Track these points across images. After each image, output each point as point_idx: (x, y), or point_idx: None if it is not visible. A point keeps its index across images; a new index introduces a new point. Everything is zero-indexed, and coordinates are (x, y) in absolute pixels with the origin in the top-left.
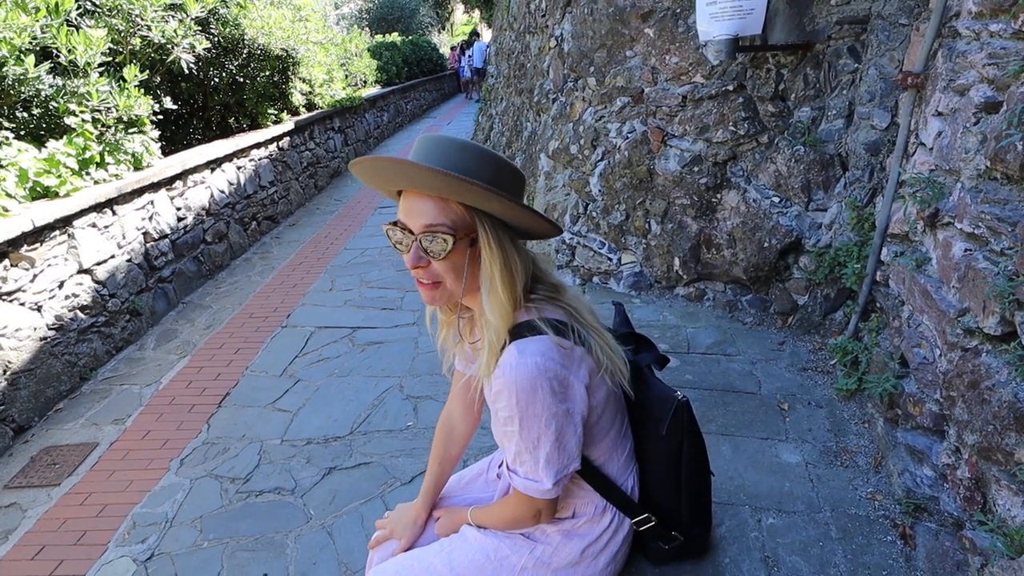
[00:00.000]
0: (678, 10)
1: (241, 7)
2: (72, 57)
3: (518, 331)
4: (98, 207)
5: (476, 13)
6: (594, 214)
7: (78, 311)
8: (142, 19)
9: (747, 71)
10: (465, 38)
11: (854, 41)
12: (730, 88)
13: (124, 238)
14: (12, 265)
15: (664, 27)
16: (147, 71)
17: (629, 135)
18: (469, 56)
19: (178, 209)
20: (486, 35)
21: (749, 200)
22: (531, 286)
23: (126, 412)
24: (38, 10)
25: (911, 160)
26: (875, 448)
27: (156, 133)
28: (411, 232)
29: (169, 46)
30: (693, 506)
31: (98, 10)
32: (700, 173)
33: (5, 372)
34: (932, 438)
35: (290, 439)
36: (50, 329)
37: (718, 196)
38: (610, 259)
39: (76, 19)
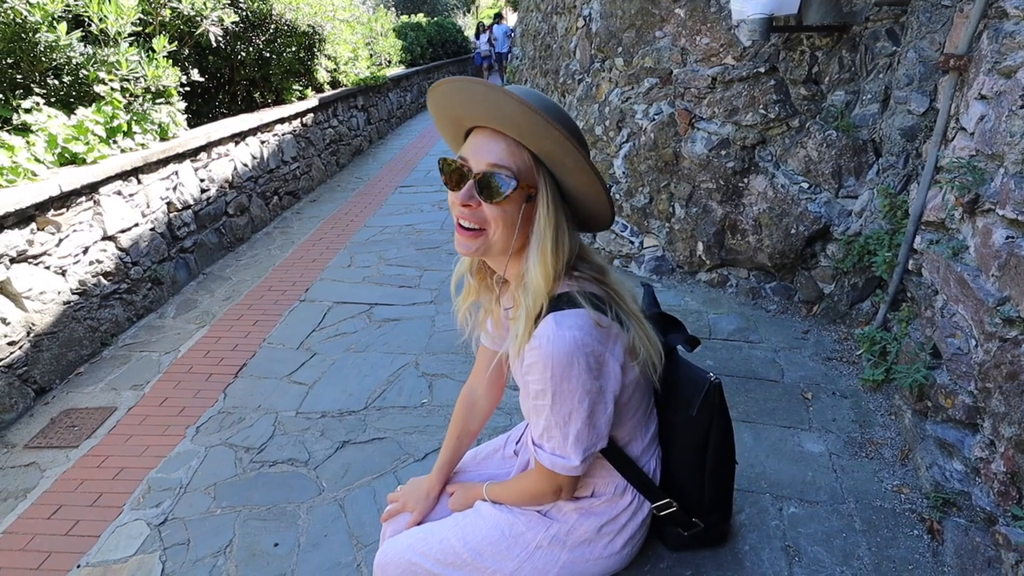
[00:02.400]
0: None
1: None
2: (103, 26)
3: (556, 302)
4: (124, 175)
5: None
6: (617, 196)
7: (101, 277)
8: None
9: (780, 53)
10: (490, 20)
11: (893, 23)
12: (762, 70)
13: (148, 207)
14: (39, 229)
15: (695, 7)
16: (176, 43)
17: (656, 117)
18: (486, 40)
19: (201, 181)
20: (510, 19)
21: (777, 185)
22: (575, 264)
23: (145, 378)
24: None
25: (950, 145)
26: (902, 440)
27: (183, 104)
28: (470, 169)
29: (198, 18)
30: (716, 492)
31: None
32: (727, 157)
33: (29, 334)
34: (964, 431)
35: (305, 411)
36: (73, 293)
37: (745, 181)
38: (632, 242)
39: None
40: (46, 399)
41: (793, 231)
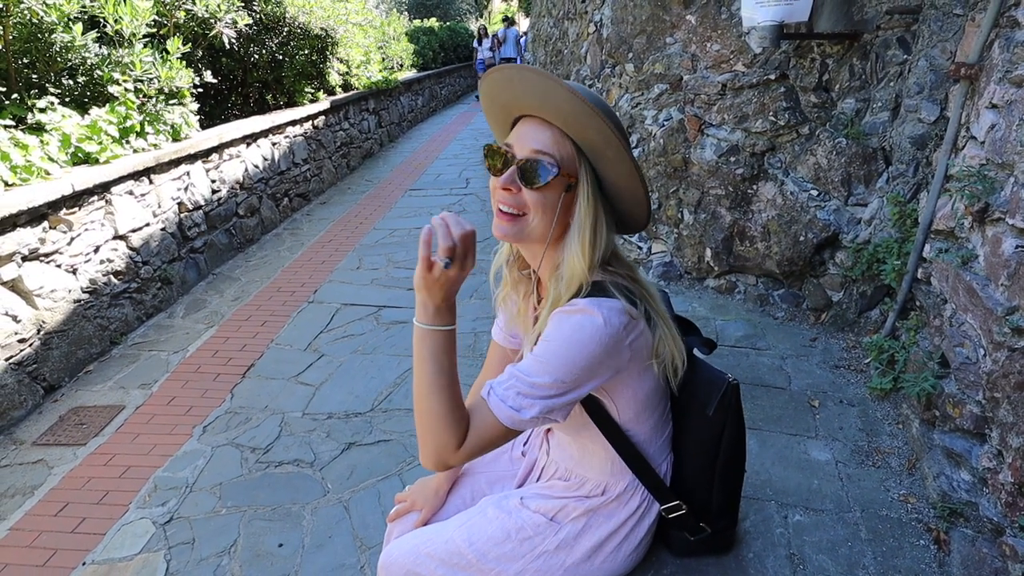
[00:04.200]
0: None
1: None
2: (118, 27)
3: (591, 290)
4: (136, 175)
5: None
6: None
7: (112, 276)
8: None
9: (790, 60)
10: (500, 25)
11: (904, 31)
12: (772, 77)
13: (159, 207)
14: (51, 227)
15: (706, 14)
16: (190, 44)
17: (665, 123)
18: (488, 47)
19: (213, 181)
20: (522, 24)
21: (786, 192)
22: (609, 260)
23: (153, 377)
24: None
25: (960, 154)
26: (909, 450)
27: (195, 106)
28: (514, 156)
29: (212, 20)
30: (724, 496)
31: None
32: (736, 163)
33: (39, 331)
34: (972, 441)
35: (311, 412)
36: (84, 292)
37: (754, 187)
38: (640, 248)
39: None
40: (55, 396)
41: (802, 238)
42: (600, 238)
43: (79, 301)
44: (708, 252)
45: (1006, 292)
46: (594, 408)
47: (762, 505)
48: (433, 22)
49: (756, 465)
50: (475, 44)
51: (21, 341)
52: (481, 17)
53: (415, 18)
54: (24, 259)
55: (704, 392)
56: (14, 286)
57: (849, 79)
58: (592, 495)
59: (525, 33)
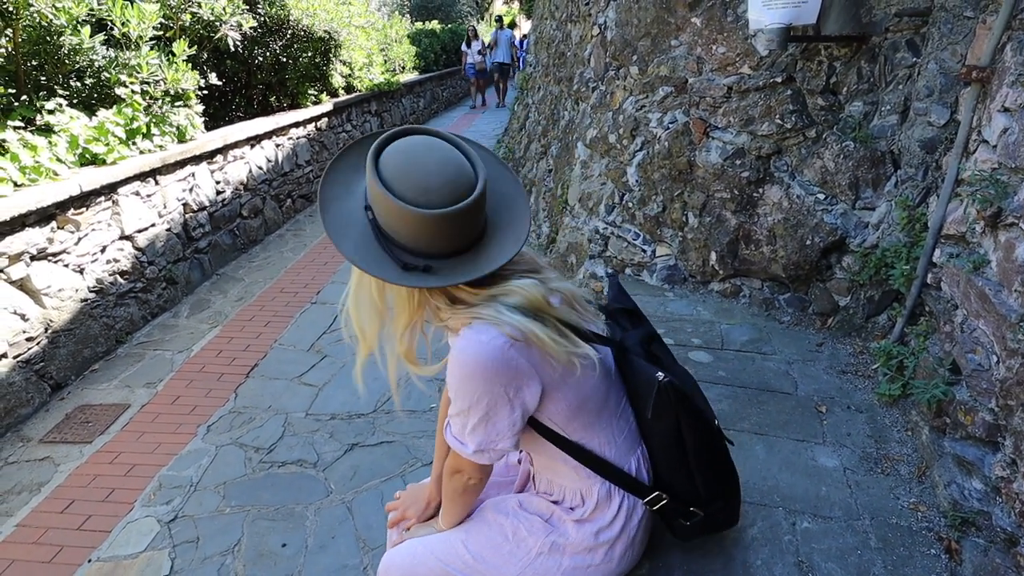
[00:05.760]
0: None
1: None
2: (125, 30)
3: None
4: (142, 176)
5: (516, 4)
6: (630, 204)
7: (118, 276)
8: None
9: (797, 63)
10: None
11: (913, 34)
12: (778, 80)
13: (165, 208)
14: (59, 227)
15: (712, 16)
16: (195, 47)
17: (670, 125)
18: (478, 50)
19: (217, 183)
20: (524, 27)
21: (792, 196)
22: (504, 274)
23: (158, 376)
24: None
25: (971, 158)
26: (919, 457)
27: (200, 107)
28: None
29: (217, 23)
30: (709, 482)
31: None
32: (742, 166)
33: (47, 330)
34: (984, 449)
35: (315, 413)
36: (90, 291)
37: (760, 191)
38: (644, 251)
39: None
40: (62, 395)
41: (808, 242)
42: (400, 316)
43: (86, 300)
44: (713, 256)
45: (1020, 298)
46: (534, 423)
47: (769, 511)
48: (435, 24)
49: (763, 471)
50: (464, 47)
51: (29, 339)
52: (482, 19)
53: (417, 20)
54: (32, 258)
55: (644, 392)
56: (22, 285)
57: (857, 82)
58: (575, 506)
59: (525, 36)
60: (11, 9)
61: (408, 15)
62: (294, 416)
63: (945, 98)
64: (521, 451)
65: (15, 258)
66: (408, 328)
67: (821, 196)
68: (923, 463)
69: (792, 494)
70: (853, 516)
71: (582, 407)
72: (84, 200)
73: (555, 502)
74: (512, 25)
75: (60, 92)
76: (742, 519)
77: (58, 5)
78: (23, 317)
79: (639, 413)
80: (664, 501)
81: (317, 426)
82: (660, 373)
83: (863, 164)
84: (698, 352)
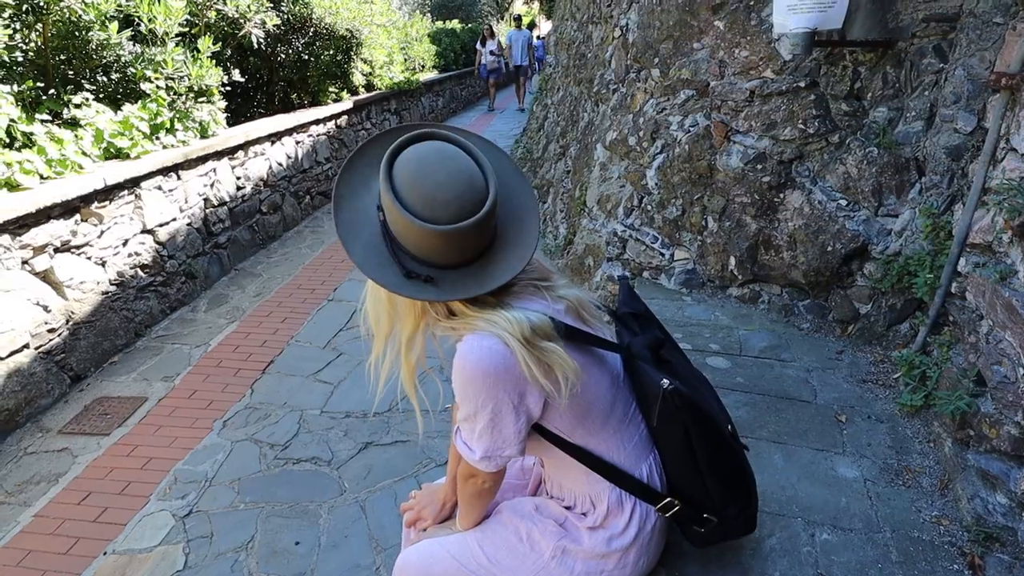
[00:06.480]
0: (751, 3)
1: None
2: (152, 26)
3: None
4: (165, 171)
5: (536, 4)
6: (649, 207)
7: (139, 269)
8: None
9: (821, 67)
10: (515, 27)
11: (940, 40)
12: (802, 84)
13: (186, 202)
14: (83, 220)
15: (735, 19)
16: (219, 43)
17: (691, 129)
18: (491, 50)
19: (238, 178)
20: (543, 27)
21: (814, 202)
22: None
23: (175, 371)
24: None
25: (999, 166)
26: (941, 470)
27: (223, 104)
28: None
29: (242, 20)
30: (721, 487)
31: None
32: (763, 171)
33: (68, 322)
34: (1009, 463)
35: (329, 410)
36: (112, 284)
37: (781, 196)
38: (662, 254)
39: None
40: (81, 386)
41: (829, 248)
42: (407, 322)
43: (107, 293)
44: (732, 260)
45: None
46: (540, 429)
47: (788, 522)
48: (455, 23)
49: (782, 480)
50: (478, 46)
51: (51, 331)
52: (502, 19)
53: (437, 19)
54: (56, 250)
55: (649, 401)
56: (46, 276)
57: (882, 87)
58: (587, 511)
59: (539, 37)
60: (42, 4)
61: (429, 14)
62: (309, 413)
63: (972, 105)
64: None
65: (39, 250)
66: (415, 332)
67: (843, 202)
68: (946, 476)
69: (811, 504)
70: (874, 529)
71: (586, 414)
72: (107, 194)
73: (567, 507)
74: (532, 25)
75: (87, 87)
76: (759, 529)
77: (87, 1)
78: (46, 308)
79: (648, 420)
80: (677, 507)
81: (332, 424)
82: (665, 380)
83: (887, 170)
84: (716, 358)
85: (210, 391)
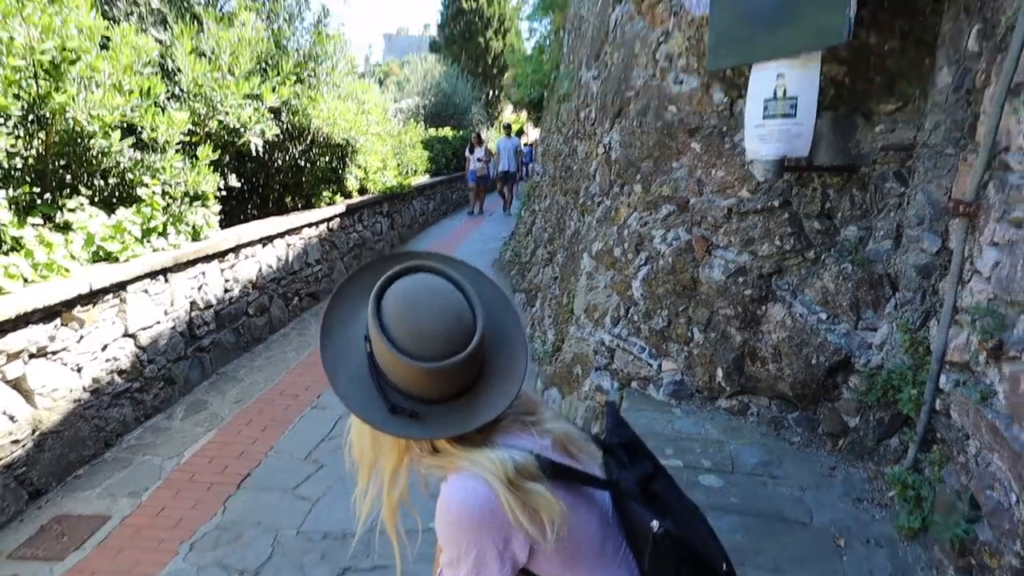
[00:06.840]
0: (724, 128)
1: (311, 99)
2: (154, 135)
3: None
4: (152, 274)
5: (524, 113)
6: (635, 317)
7: (115, 374)
8: (222, 105)
9: (793, 188)
10: (503, 135)
11: (899, 166)
12: (775, 204)
13: (172, 305)
14: (63, 324)
15: (711, 143)
16: (219, 151)
17: (673, 242)
18: (478, 157)
19: (227, 281)
20: (530, 134)
21: (795, 315)
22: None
23: (143, 485)
24: (131, 92)
25: (967, 286)
26: None
27: (218, 207)
28: None
29: (242, 130)
30: None
31: (184, 95)
32: (744, 284)
33: (34, 432)
34: None
35: (307, 531)
36: (85, 391)
37: (763, 308)
38: (650, 364)
39: (163, 102)
40: (39, 503)
41: (814, 361)
42: (389, 457)
43: (79, 400)
44: (719, 372)
45: None
46: (527, 574)
47: None
48: (447, 131)
49: None
50: (467, 152)
51: (14, 442)
52: (492, 127)
53: (431, 127)
54: (32, 356)
55: (640, 543)
56: (17, 384)
57: (850, 208)
58: None
59: (526, 144)
60: (47, 116)
61: (423, 121)
62: (285, 534)
63: (936, 227)
64: None
65: (14, 356)
66: (399, 467)
67: (823, 315)
68: None
69: None
70: None
71: (575, 556)
72: (92, 297)
73: None
74: (520, 133)
75: (83, 190)
76: None
77: (93, 112)
78: (12, 418)
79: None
80: None
81: (309, 546)
82: (655, 522)
83: (862, 286)
84: (708, 476)
85: (179, 508)
